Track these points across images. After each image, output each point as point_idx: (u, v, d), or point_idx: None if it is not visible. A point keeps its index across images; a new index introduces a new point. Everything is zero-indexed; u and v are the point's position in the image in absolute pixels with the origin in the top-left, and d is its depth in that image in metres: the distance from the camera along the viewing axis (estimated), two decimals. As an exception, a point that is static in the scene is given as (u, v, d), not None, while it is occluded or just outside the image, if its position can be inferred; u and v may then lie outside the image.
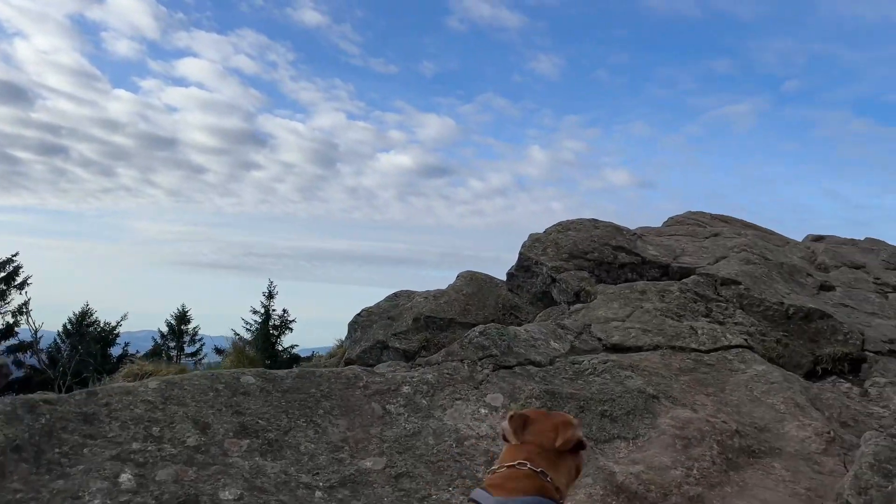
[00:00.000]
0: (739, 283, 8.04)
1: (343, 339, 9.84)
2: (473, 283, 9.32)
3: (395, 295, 9.55)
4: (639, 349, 6.66)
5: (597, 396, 5.15)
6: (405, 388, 4.83)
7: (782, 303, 7.73)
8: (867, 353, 7.16)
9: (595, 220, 9.67)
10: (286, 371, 4.72)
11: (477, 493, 2.06)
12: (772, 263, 9.30)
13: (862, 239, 12.53)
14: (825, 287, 9.24)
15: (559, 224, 9.56)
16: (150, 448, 3.62)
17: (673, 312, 7.35)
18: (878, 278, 10.09)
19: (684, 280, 8.16)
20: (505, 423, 2.23)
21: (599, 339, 6.79)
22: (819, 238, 12.02)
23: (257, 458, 3.80)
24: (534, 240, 9.17)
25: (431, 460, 4.17)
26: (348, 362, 8.61)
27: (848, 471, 4.35)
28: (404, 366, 5.51)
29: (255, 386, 4.42)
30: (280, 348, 38.11)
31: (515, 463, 2.09)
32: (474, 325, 8.42)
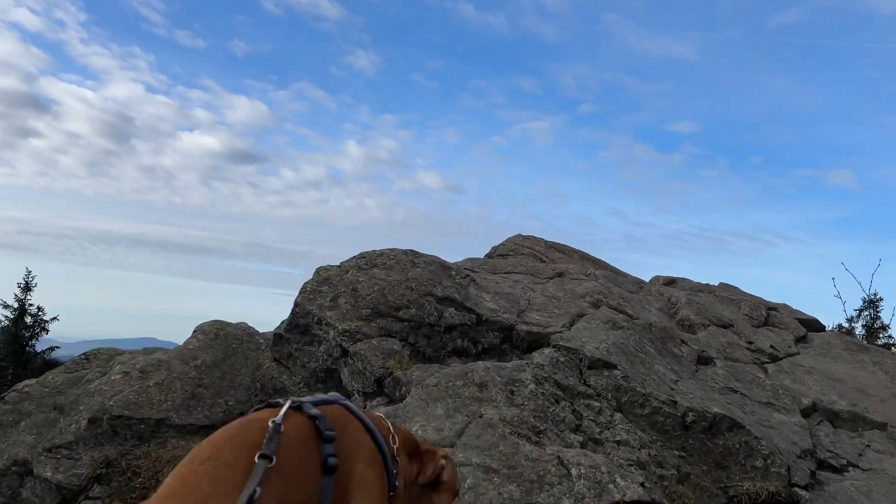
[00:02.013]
0: (614, 367, 5.48)
1: None
2: (219, 344, 5.89)
3: (86, 358, 5.82)
4: (479, 516, 3.72)
5: None
6: None
7: (674, 401, 5.28)
8: (796, 489, 4.87)
9: (414, 254, 6.67)
10: None
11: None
12: (640, 325, 6.95)
13: (716, 285, 10.92)
14: (703, 359, 7.07)
15: (363, 256, 6.44)
16: None
17: (529, 426, 4.54)
18: (750, 342, 8.23)
19: (540, 359, 5.42)
20: None
21: (411, 497, 3.74)
22: (671, 282, 10.18)
23: None
24: (321, 281, 5.96)
25: None
26: (-49, 502, 4.75)
27: None
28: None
29: None
30: (33, 351, 30.95)
31: None
32: (207, 428, 5.03)
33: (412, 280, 6.07)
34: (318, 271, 6.20)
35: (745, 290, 10.59)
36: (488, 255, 10.98)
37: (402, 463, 1.98)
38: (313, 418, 1.73)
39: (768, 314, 9.72)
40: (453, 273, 6.67)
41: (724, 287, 10.53)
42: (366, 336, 5.33)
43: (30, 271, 30.76)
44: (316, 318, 5.45)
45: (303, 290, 5.74)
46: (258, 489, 1.47)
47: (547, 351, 5.67)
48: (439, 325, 5.78)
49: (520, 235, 12.70)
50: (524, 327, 6.20)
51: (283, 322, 5.82)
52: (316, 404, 1.80)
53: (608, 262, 13.99)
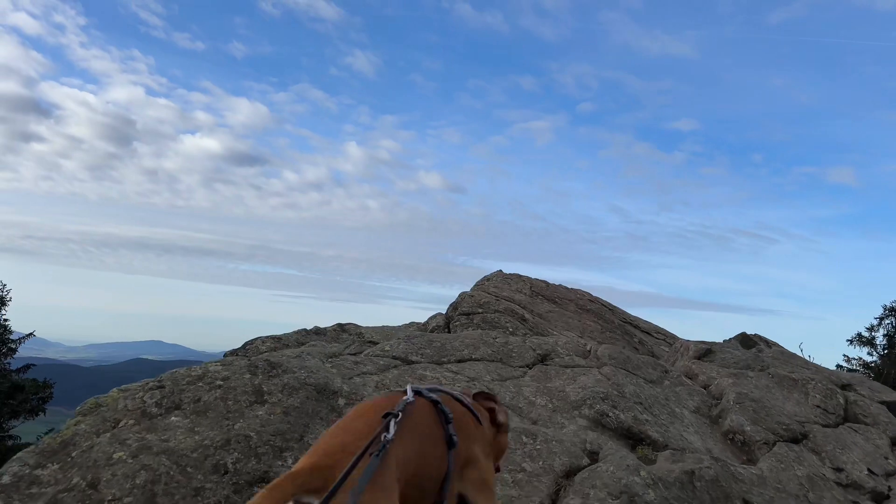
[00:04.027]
0: None
1: None
2: None
3: None
4: None
5: None
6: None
7: None
8: None
9: (268, 371, 3.70)
10: None
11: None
12: (674, 482, 3.98)
13: (765, 348, 7.97)
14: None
15: (161, 385, 3.47)
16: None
17: None
18: (839, 469, 5.29)
19: None
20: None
21: None
22: (705, 353, 7.16)
23: None
24: (47, 452, 2.99)
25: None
26: None
27: None
28: None
29: None
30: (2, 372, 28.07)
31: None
32: None
33: (237, 441, 3.10)
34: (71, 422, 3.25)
35: (807, 359, 7.62)
36: (451, 310, 8.02)
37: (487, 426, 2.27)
38: (435, 402, 2.03)
39: (846, 401, 6.72)
40: (341, 402, 3.71)
41: (780, 358, 7.52)
42: None
43: (4, 284, 27.65)
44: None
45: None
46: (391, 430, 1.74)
47: None
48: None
49: (500, 274, 9.74)
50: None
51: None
52: (431, 391, 2.11)
53: (612, 300, 11.03)
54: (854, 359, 25.05)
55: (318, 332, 12.26)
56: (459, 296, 8.40)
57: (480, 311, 7.41)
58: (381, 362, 5.13)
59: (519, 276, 9.50)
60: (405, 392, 2.01)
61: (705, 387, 6.25)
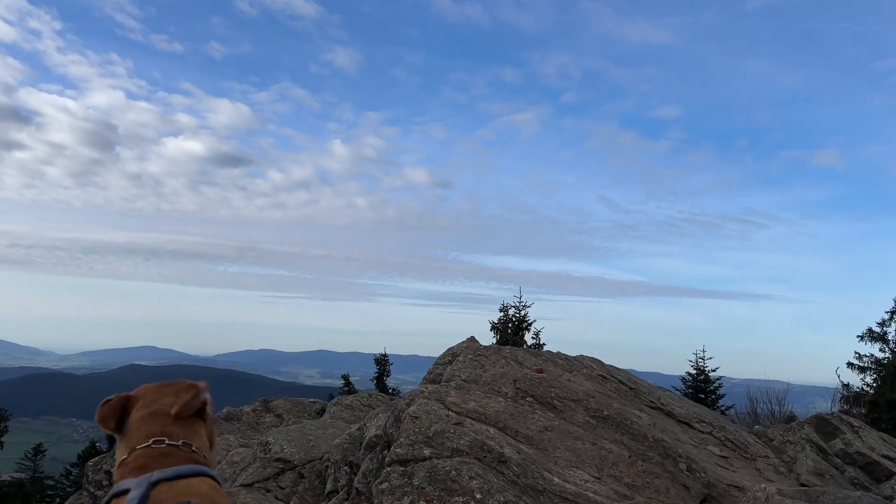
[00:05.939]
0: None
1: None
2: None
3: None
4: None
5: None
6: None
7: None
8: None
9: None
10: None
11: (123, 483, 1.55)
12: None
13: (852, 438, 4.99)
14: None
15: None
16: None
17: None
18: None
19: None
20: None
21: None
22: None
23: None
24: None
25: None
26: None
27: None
28: None
29: None
30: None
31: (150, 442, 1.65)
32: None
33: None
34: None
35: None
36: (392, 427, 4.95)
37: None
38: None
39: None
40: None
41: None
42: None
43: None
44: None
45: None
46: None
47: None
48: None
49: (472, 347, 6.67)
50: None
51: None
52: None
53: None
54: (866, 356, 22.30)
55: (230, 417, 9.17)
56: (406, 399, 5.30)
57: (429, 452, 4.34)
58: None
59: (498, 352, 6.44)
60: None
61: None
